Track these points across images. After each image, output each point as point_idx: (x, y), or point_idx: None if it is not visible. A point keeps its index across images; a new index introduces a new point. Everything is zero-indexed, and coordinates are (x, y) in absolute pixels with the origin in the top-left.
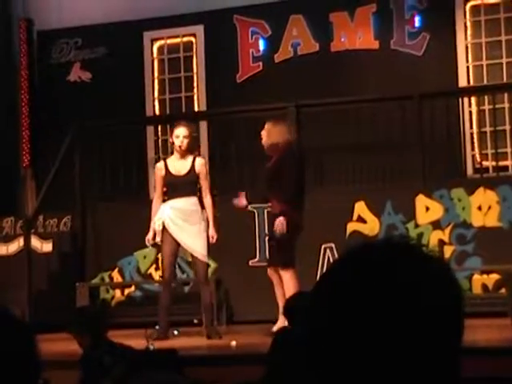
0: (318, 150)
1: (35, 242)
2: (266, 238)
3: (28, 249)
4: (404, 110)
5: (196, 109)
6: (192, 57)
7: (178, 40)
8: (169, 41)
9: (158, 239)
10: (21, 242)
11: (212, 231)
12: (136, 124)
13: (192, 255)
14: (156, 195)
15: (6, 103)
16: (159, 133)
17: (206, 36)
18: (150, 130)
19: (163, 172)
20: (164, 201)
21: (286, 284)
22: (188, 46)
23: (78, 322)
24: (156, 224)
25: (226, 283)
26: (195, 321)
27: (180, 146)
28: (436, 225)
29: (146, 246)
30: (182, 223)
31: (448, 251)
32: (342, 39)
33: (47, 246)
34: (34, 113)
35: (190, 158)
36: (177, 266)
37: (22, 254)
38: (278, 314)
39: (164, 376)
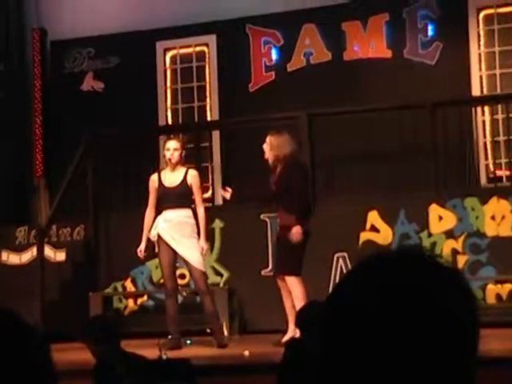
0: (330, 159)
1: (48, 252)
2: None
3: (41, 258)
4: (417, 119)
5: (208, 118)
6: (205, 66)
7: (190, 50)
8: (181, 50)
9: (156, 250)
10: (34, 251)
11: (203, 242)
12: (148, 134)
13: (188, 265)
14: (149, 207)
15: (20, 113)
16: None
17: (219, 46)
18: (162, 139)
19: (156, 184)
20: (158, 212)
21: (294, 291)
22: (201, 56)
23: (91, 331)
24: (151, 235)
25: (238, 293)
26: (208, 330)
27: (170, 159)
28: (449, 234)
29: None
30: (174, 234)
31: (461, 261)
32: (355, 48)
33: (60, 256)
34: (47, 123)
35: (182, 170)
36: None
37: (35, 263)
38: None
39: None
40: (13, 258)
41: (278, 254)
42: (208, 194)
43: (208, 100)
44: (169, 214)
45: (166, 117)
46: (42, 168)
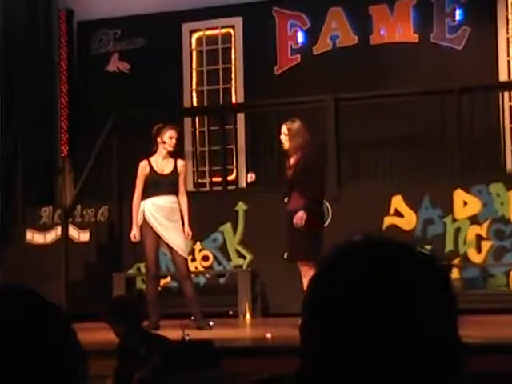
0: (355, 144)
1: (72, 232)
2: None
3: (65, 238)
4: (443, 104)
5: (233, 101)
6: (230, 48)
7: (216, 32)
8: (207, 32)
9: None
10: (58, 231)
11: (187, 229)
12: (173, 115)
13: (171, 251)
14: (136, 194)
15: (46, 93)
16: (196, 124)
17: (245, 28)
18: (187, 121)
19: (147, 170)
20: (143, 198)
21: (306, 276)
22: (226, 38)
23: (115, 311)
24: (138, 218)
25: (261, 276)
26: (230, 312)
27: (170, 146)
28: (474, 220)
29: None
30: (163, 219)
31: (486, 246)
32: (382, 32)
33: (84, 236)
34: (72, 103)
35: (172, 159)
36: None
37: (59, 243)
38: None
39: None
40: (37, 238)
41: (291, 238)
42: (232, 177)
43: (233, 82)
44: (159, 200)
45: (192, 98)
46: (67, 149)
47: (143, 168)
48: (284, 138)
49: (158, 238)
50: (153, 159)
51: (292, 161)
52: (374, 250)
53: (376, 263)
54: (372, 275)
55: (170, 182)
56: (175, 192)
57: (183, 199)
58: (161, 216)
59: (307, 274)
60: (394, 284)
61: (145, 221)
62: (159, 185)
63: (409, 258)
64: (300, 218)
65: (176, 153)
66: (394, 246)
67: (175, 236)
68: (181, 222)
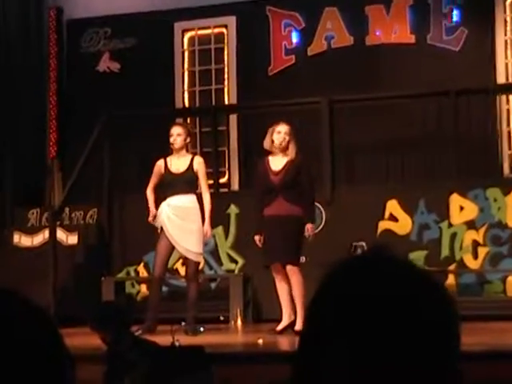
0: (350, 147)
1: (61, 235)
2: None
3: (53, 241)
4: (440, 107)
5: (226, 102)
6: (223, 49)
7: (209, 31)
8: (200, 32)
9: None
10: (46, 233)
11: (207, 227)
12: (165, 116)
13: (185, 254)
14: (149, 187)
15: (34, 92)
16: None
17: (238, 27)
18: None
19: (163, 169)
20: (162, 199)
21: (298, 279)
22: (219, 38)
23: (102, 317)
24: (156, 223)
25: (253, 280)
26: (221, 317)
27: (173, 144)
28: (470, 225)
29: None
30: (178, 220)
31: (482, 252)
32: (378, 33)
33: (73, 239)
34: (61, 103)
35: (188, 157)
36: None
37: (47, 246)
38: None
39: None
40: (25, 241)
41: (278, 242)
42: (224, 179)
43: (226, 83)
44: (174, 200)
45: (183, 99)
46: (56, 149)
47: (158, 167)
48: (284, 138)
49: (171, 245)
50: (169, 159)
51: (284, 163)
52: (377, 266)
53: (379, 280)
54: (375, 292)
55: (186, 181)
56: (192, 191)
57: (205, 196)
58: (176, 217)
59: (298, 276)
60: (396, 300)
61: (162, 226)
62: (174, 184)
63: (409, 275)
64: (312, 229)
65: (183, 148)
66: (394, 262)
67: (190, 239)
68: (199, 222)
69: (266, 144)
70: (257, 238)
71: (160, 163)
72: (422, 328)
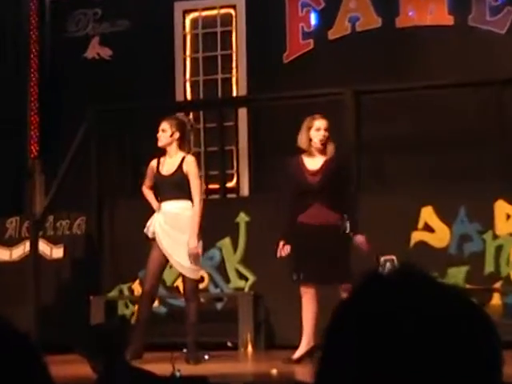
0: (378, 145)
1: (43, 247)
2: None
3: (35, 254)
4: (482, 99)
5: (234, 93)
6: (231, 32)
7: (214, 12)
8: (204, 13)
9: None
10: (27, 246)
11: (191, 239)
12: (163, 110)
13: (180, 269)
14: (144, 186)
15: (14, 82)
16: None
17: (248, 8)
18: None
19: (154, 170)
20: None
21: None
22: (226, 20)
23: (91, 342)
24: (149, 232)
25: (265, 300)
26: (229, 343)
27: (162, 141)
28: None
29: None
30: (170, 230)
31: None
32: (410, 13)
33: (57, 252)
34: (44, 95)
35: (179, 156)
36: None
37: (27, 260)
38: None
39: None
40: (2, 254)
41: (325, 258)
42: (232, 183)
43: (234, 72)
44: (165, 206)
45: (185, 90)
46: (38, 148)
47: (151, 169)
48: (324, 136)
49: (165, 258)
50: (163, 158)
51: (322, 162)
52: (407, 286)
53: (411, 299)
54: (406, 311)
55: (175, 184)
56: (185, 196)
57: (195, 201)
58: (168, 226)
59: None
60: (426, 324)
61: (155, 236)
62: (164, 188)
63: (444, 296)
64: (366, 242)
65: (180, 148)
66: (427, 281)
67: (183, 252)
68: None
69: (303, 143)
70: (281, 243)
71: (153, 164)
72: (459, 355)
